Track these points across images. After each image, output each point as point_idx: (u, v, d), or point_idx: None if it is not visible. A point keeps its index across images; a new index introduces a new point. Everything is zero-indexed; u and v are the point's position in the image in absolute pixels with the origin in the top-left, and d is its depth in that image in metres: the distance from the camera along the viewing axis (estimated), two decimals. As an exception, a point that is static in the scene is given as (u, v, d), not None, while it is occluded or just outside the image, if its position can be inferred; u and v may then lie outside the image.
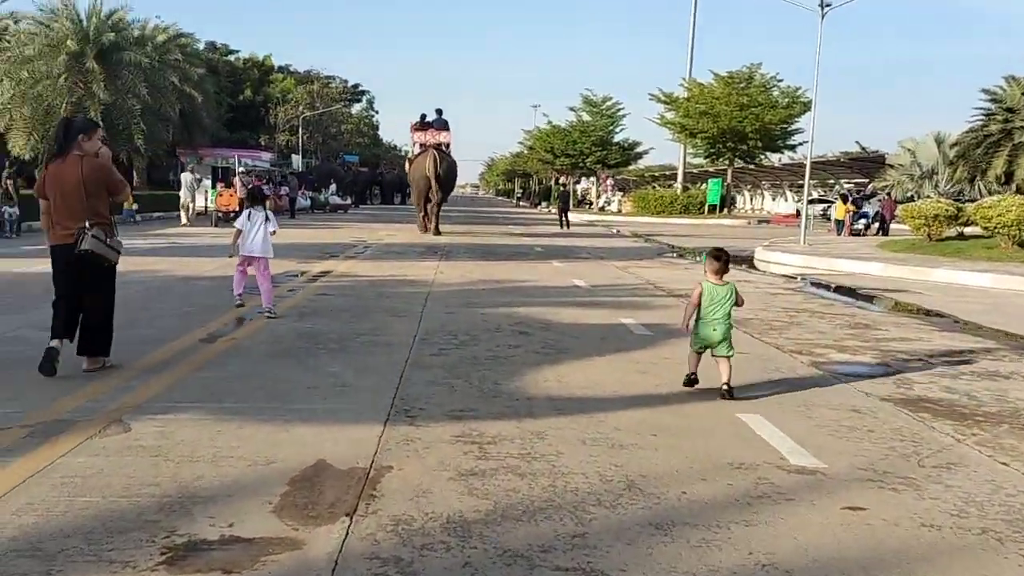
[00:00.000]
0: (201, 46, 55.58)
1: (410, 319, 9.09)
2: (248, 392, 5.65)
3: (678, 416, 5.50)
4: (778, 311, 10.93)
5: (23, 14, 31.19)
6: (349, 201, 46.14)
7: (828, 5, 24.49)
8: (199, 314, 9.09)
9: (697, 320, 6.04)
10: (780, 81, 45.32)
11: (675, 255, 21.73)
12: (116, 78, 29.73)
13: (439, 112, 27.05)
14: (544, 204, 69.35)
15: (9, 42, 29.27)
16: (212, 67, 46.81)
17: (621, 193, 58.54)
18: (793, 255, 19.93)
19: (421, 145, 26.51)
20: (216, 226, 25.92)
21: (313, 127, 63.32)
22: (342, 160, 61.41)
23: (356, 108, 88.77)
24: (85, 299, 5.96)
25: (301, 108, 60.59)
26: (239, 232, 9.24)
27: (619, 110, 54.30)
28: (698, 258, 21.05)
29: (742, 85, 44.87)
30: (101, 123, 24.87)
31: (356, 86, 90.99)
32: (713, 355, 6.01)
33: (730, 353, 5.97)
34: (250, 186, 11.31)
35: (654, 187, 63.86)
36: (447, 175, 25.68)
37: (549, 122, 57.06)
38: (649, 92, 45.75)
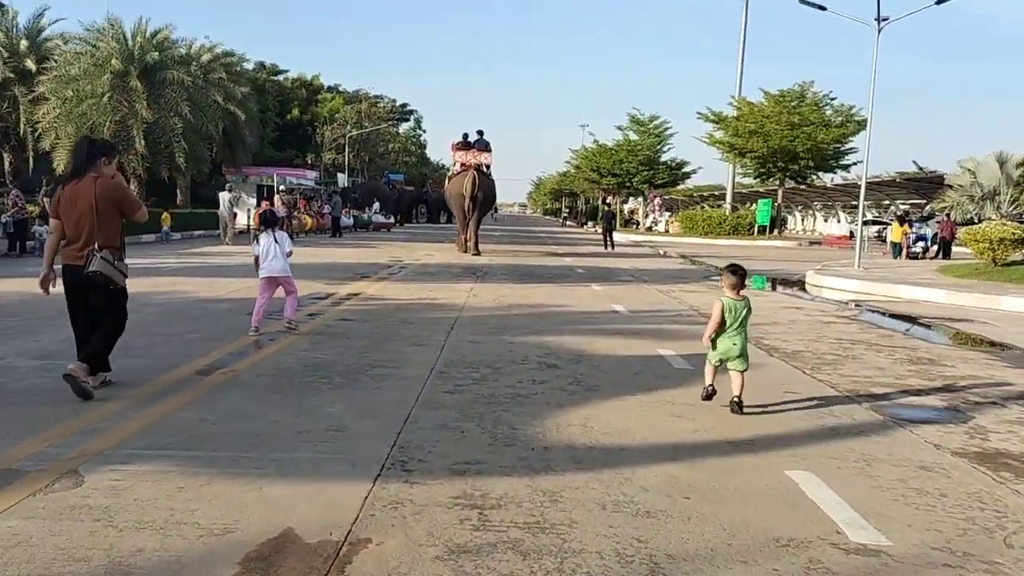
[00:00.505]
0: (250, 65, 56.35)
1: (431, 349, 8.47)
2: (228, 438, 5.04)
3: (717, 473, 4.76)
4: (831, 342, 10.09)
5: (72, 34, 31.70)
6: (392, 220, 45.96)
7: (885, 19, 23.47)
8: (205, 341, 8.57)
9: (717, 335, 6.15)
10: (833, 99, 44.16)
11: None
12: (159, 97, 29.85)
13: (480, 133, 27.22)
14: (591, 223, 68.74)
15: (56, 62, 29.59)
16: (259, 86, 47.18)
17: (669, 213, 57.50)
18: (847, 279, 18.90)
19: (462, 165, 26.52)
20: (254, 245, 25.68)
21: (360, 146, 63.59)
22: (387, 179, 61.48)
23: (404, 127, 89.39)
24: (95, 317, 5.98)
25: (348, 127, 60.88)
26: (256, 258, 9.39)
27: (666, 129, 53.46)
28: (748, 281, 20.16)
29: (793, 103, 43.75)
30: (144, 141, 24.99)
31: (404, 105, 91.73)
32: (728, 368, 6.14)
33: (745, 367, 6.11)
34: (262, 210, 10.78)
35: (702, 207, 62.72)
36: (486, 195, 25.81)
37: (595, 141, 56.43)
38: (697, 111, 44.88)
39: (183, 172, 31.28)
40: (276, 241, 9.25)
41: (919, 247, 29.22)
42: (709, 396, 6.23)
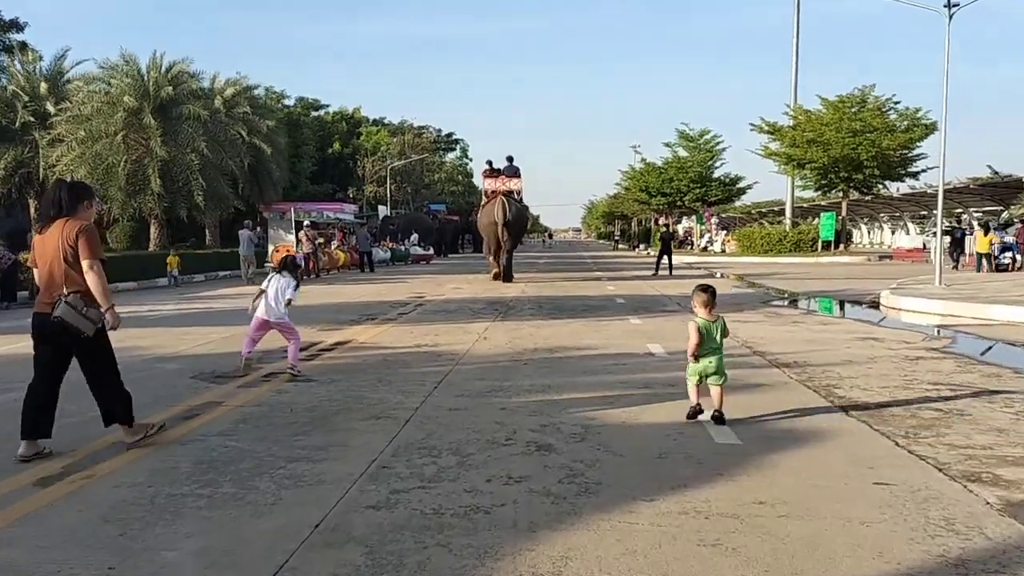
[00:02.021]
0: (290, 102, 55.75)
1: (390, 424, 6.42)
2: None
3: None
4: (925, 389, 7.79)
5: (92, 75, 30.84)
6: (431, 251, 44.29)
7: (956, 5, 20.90)
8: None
9: (699, 353, 6.27)
10: (897, 103, 41.19)
11: (782, 302, 18.43)
12: (176, 133, 28.67)
13: (510, 159, 26.75)
14: (643, 246, 66.23)
15: (71, 102, 28.72)
16: (294, 120, 46.30)
17: (725, 232, 54.74)
18: (929, 299, 16.29)
19: (491, 192, 26.16)
20: (274, 284, 24.08)
21: (402, 177, 62.45)
22: (428, 209, 60.05)
23: (450, 156, 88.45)
24: (86, 376, 5.63)
25: (389, 159, 59.81)
26: (261, 292, 8.99)
27: (718, 143, 50.88)
28: (812, 305, 17.69)
29: (854, 109, 40.93)
30: (160, 180, 23.62)
31: (450, 135, 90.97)
32: (708, 383, 6.30)
33: (722, 381, 6.32)
34: (287, 256, 9.33)
35: (760, 224, 59.83)
36: (516, 221, 25.04)
37: (643, 160, 54.09)
38: (750, 122, 42.28)
39: (203, 211, 29.95)
40: (281, 287, 8.91)
41: (1006, 258, 26.19)
42: (695, 415, 6.37)
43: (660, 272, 28.12)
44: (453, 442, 5.84)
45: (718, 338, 6.29)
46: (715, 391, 6.29)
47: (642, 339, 11.65)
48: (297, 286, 9.16)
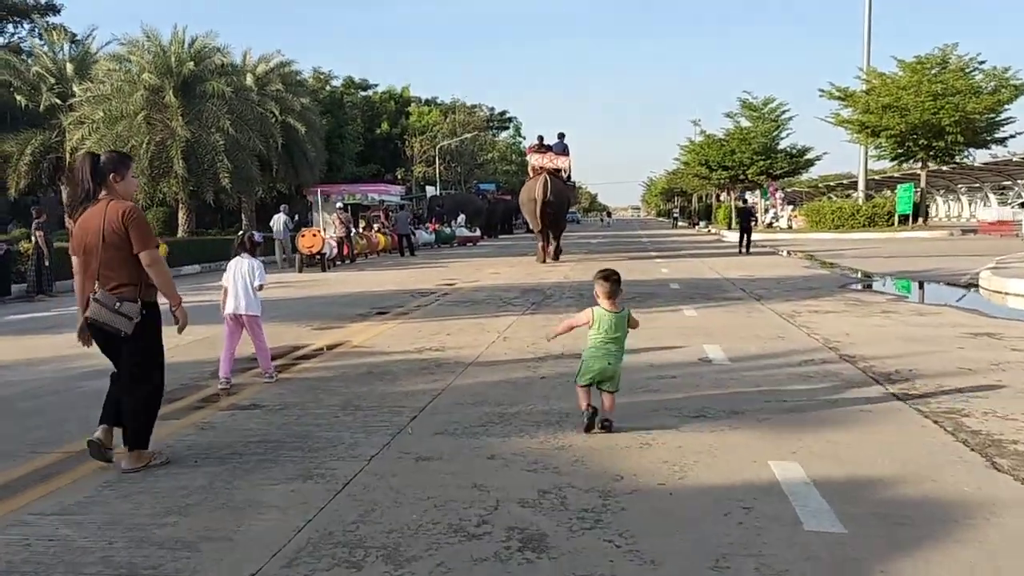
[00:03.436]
0: (338, 82, 54.22)
1: (318, 492, 4.42)
2: None
3: None
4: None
5: (116, 53, 29.40)
6: (478, 233, 42.28)
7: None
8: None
9: (587, 352, 5.46)
10: (982, 62, 37.54)
11: (864, 286, 15.94)
12: (200, 112, 27.05)
13: (561, 136, 25.43)
14: (704, 223, 63.21)
15: (92, 82, 27.39)
16: (336, 100, 44.67)
17: (791, 207, 51.51)
18: (1046, 282, 13.66)
19: (535, 168, 24.67)
20: (300, 271, 22.41)
21: (452, 157, 60.55)
22: (477, 189, 57.98)
23: (503, 135, 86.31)
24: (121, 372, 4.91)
25: (439, 138, 57.94)
26: (224, 291, 7.56)
27: (783, 112, 47.52)
28: (900, 289, 15.16)
29: (934, 71, 37.46)
30: (184, 162, 21.99)
31: (503, 113, 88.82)
32: (600, 388, 5.48)
33: (616, 388, 5.54)
34: (242, 232, 7.37)
35: (828, 198, 56.37)
36: (557, 200, 23.37)
37: (702, 132, 51.02)
38: (819, 88, 39.14)
39: (229, 193, 28.36)
40: (244, 272, 7.47)
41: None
42: (591, 421, 5.43)
43: (743, 252, 26.46)
44: (394, 530, 3.82)
45: (619, 334, 5.47)
46: (607, 399, 5.49)
47: (697, 337, 9.46)
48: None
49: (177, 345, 9.36)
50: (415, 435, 5.53)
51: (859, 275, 17.93)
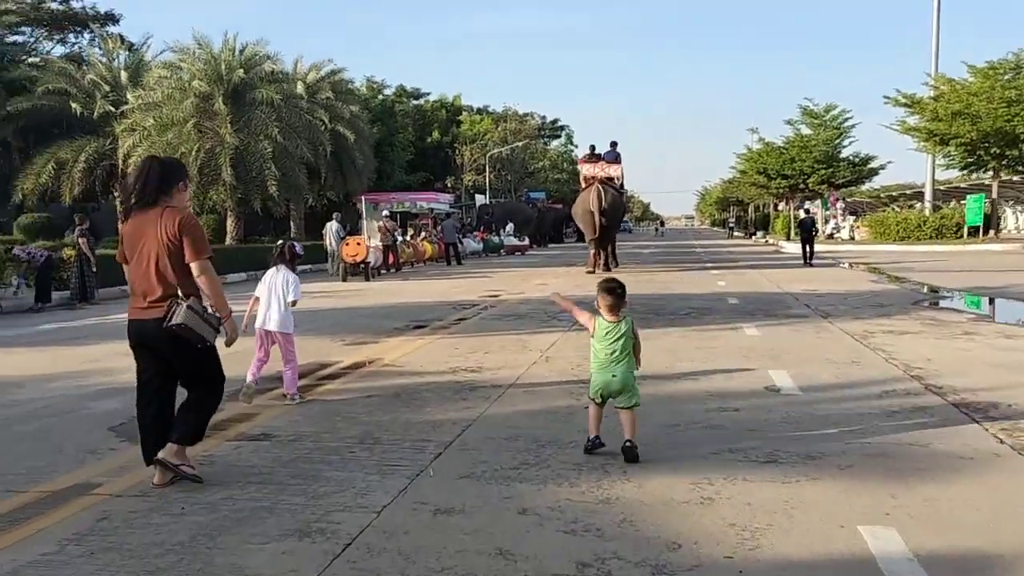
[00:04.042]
0: (390, 91, 54.14)
1: (305, 562, 3.71)
2: None
3: None
4: None
5: (168, 61, 29.49)
6: (527, 242, 41.54)
7: None
8: None
9: (593, 365, 5.26)
10: (1061, 68, 35.56)
11: (938, 303, 14.79)
12: (250, 119, 26.83)
13: (613, 145, 25.32)
14: (761, 234, 61.55)
15: (143, 89, 27.42)
16: (387, 108, 44.43)
17: (853, 217, 49.70)
18: None
19: (588, 178, 24.50)
20: (344, 280, 21.94)
21: (502, 165, 60.00)
22: (526, 197, 57.28)
23: (554, 144, 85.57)
24: (180, 380, 4.77)
25: (488, 146, 57.44)
26: (255, 300, 7.11)
27: (846, 120, 45.86)
28: (980, 309, 13.99)
29: (1007, 76, 35.63)
30: (232, 169, 21.81)
31: (555, 121, 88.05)
32: (615, 406, 5.21)
33: (634, 403, 5.20)
34: (281, 242, 6.74)
35: (890, 208, 54.33)
36: (612, 209, 23.14)
37: (761, 139, 49.55)
38: (884, 95, 37.55)
39: (276, 201, 28.13)
40: (279, 285, 6.99)
41: None
42: (593, 447, 5.22)
43: (807, 263, 25.47)
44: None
45: (625, 348, 5.22)
46: (624, 416, 5.19)
47: (761, 360, 8.58)
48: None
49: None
50: (437, 477, 4.80)
51: (932, 291, 16.72)
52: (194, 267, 4.58)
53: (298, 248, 7.73)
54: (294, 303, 7.03)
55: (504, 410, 6.51)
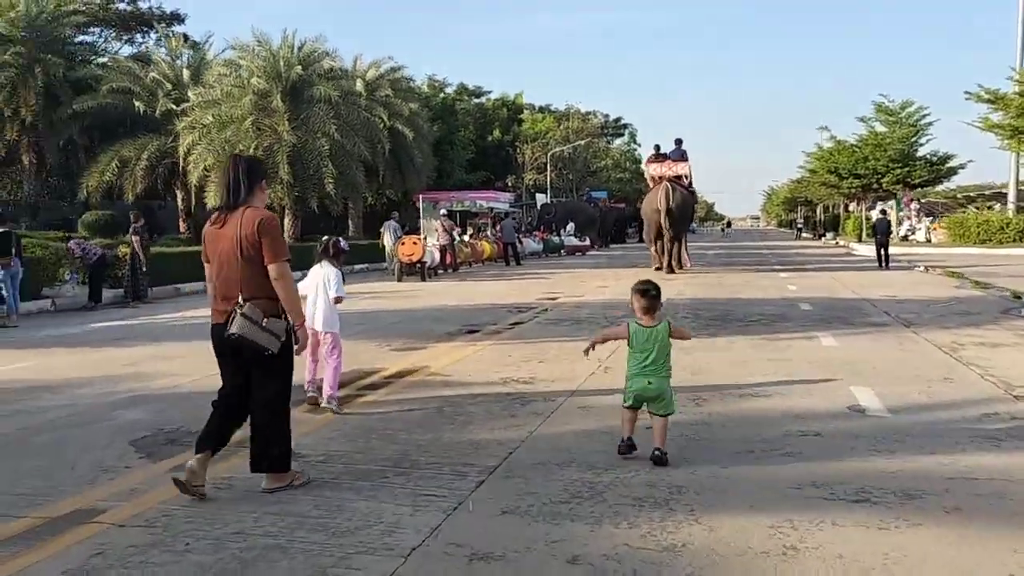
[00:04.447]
0: (451, 89, 53.93)
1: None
2: None
3: None
4: None
5: (229, 59, 29.58)
6: (587, 242, 40.75)
7: None
8: None
9: (629, 370, 5.07)
10: None
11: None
12: (308, 117, 26.67)
13: (678, 142, 24.89)
14: (831, 235, 59.60)
15: (203, 87, 27.54)
16: (447, 106, 44.10)
17: (930, 219, 47.60)
18: None
19: (656, 178, 24.18)
20: (400, 280, 21.57)
21: (563, 164, 59.24)
22: (588, 196, 56.39)
23: (617, 142, 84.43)
24: (252, 398, 4.56)
25: (550, 144, 56.75)
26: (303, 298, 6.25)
27: (924, 116, 43.85)
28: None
29: (1101, 69, 33.61)
30: (289, 167, 21.68)
31: (617, 120, 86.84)
32: (649, 411, 5.06)
33: (669, 411, 5.05)
34: (327, 238, 6.30)
35: (966, 210, 51.98)
36: (680, 209, 22.79)
37: (832, 137, 47.76)
38: (966, 91, 35.67)
39: (334, 199, 27.94)
40: (321, 281, 6.69)
41: None
42: (627, 450, 5.07)
43: (883, 267, 24.42)
44: None
45: (662, 352, 5.03)
46: (657, 424, 5.05)
47: (841, 375, 7.81)
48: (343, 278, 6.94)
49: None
50: (477, 511, 4.22)
51: (1020, 298, 15.53)
52: (272, 270, 4.42)
53: (343, 244, 7.36)
54: (338, 300, 6.70)
55: (557, 429, 5.91)
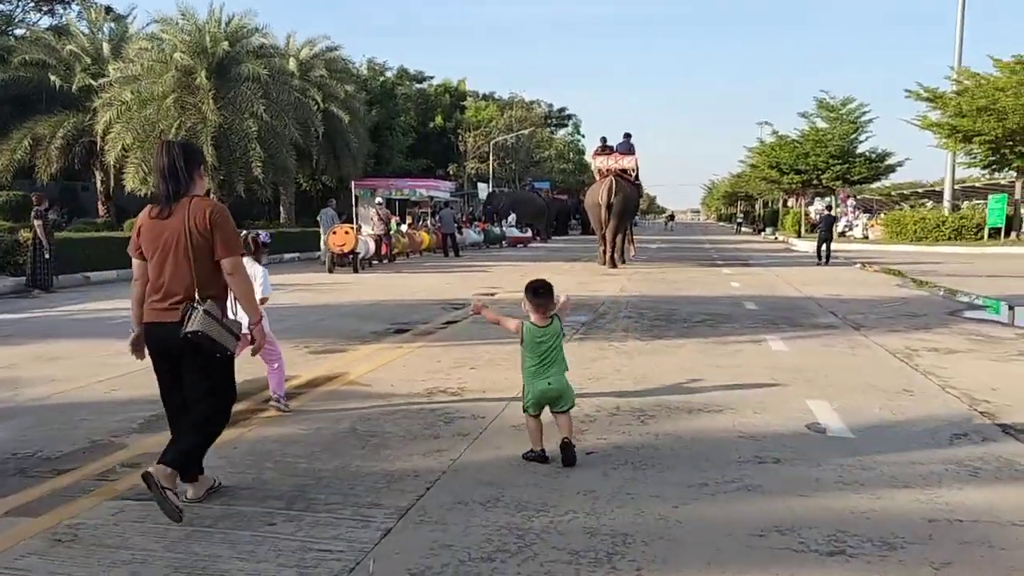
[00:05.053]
0: (391, 73, 52.61)
1: None
2: None
3: None
4: None
5: (151, 33, 27.99)
6: (529, 233, 40.07)
7: None
8: None
9: (525, 373, 4.92)
10: (1092, 63, 33.95)
11: (978, 312, 13.37)
12: (235, 96, 25.32)
13: (627, 136, 24.56)
14: (769, 230, 60.05)
15: (123, 62, 25.92)
16: (387, 91, 42.90)
17: (867, 215, 48.13)
18: None
19: (602, 171, 23.87)
20: (331, 272, 20.54)
21: (506, 154, 58.47)
22: (531, 187, 55.76)
23: (561, 133, 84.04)
24: (186, 395, 4.20)
25: (495, 133, 55.90)
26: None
27: (863, 114, 44.21)
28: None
29: (1037, 72, 34.04)
30: (214, 149, 20.42)
31: (562, 110, 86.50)
32: (552, 412, 4.92)
33: (571, 405, 4.97)
34: (246, 232, 5.31)
35: (900, 207, 52.82)
36: (623, 204, 22.48)
37: (774, 132, 47.95)
38: (905, 88, 35.94)
39: (261, 184, 26.59)
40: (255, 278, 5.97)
41: None
42: (539, 459, 4.88)
43: (822, 262, 24.29)
44: None
45: (552, 349, 4.86)
46: (562, 420, 4.88)
47: (795, 385, 7.22)
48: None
49: (126, 374, 7.49)
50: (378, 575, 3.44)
51: (966, 299, 15.30)
52: (225, 264, 4.14)
53: (264, 237, 6.51)
54: (263, 300, 5.90)
55: (484, 455, 5.14)
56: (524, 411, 4.97)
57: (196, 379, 4.16)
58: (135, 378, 7.37)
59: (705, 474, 4.79)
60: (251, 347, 4.42)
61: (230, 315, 4.27)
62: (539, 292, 4.93)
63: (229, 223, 4.19)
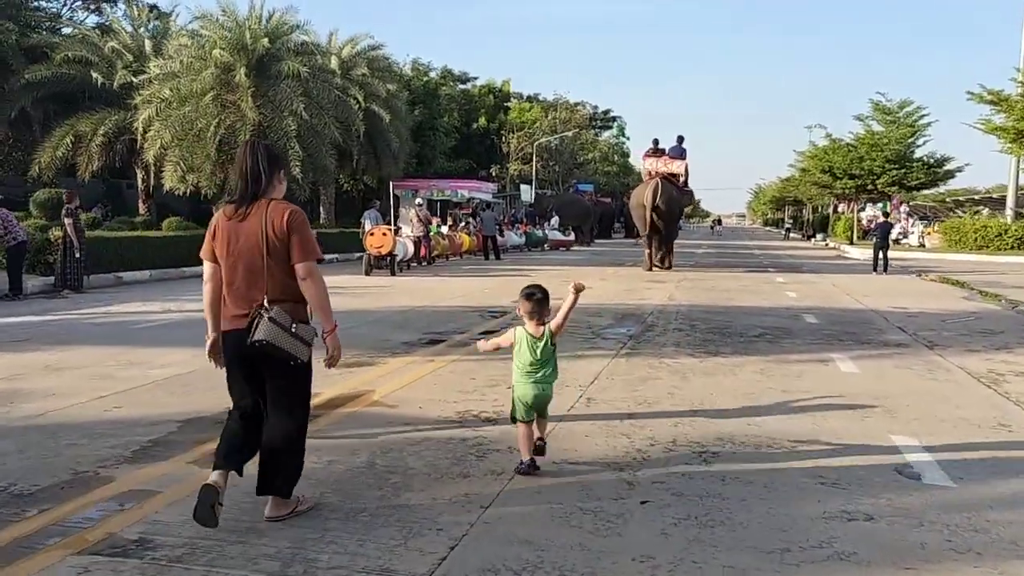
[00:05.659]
0: (436, 74, 52.16)
1: None
2: None
3: None
4: None
5: (192, 29, 27.76)
6: (572, 236, 39.22)
7: None
8: None
9: (517, 382, 4.81)
10: None
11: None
12: (275, 94, 24.87)
13: (680, 139, 24.42)
14: (820, 236, 58.43)
15: (163, 59, 25.65)
16: (430, 91, 42.35)
17: (924, 223, 46.39)
18: None
19: (650, 173, 23.64)
20: (367, 274, 19.95)
21: (549, 155, 57.62)
22: (575, 189, 54.86)
23: (606, 135, 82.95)
24: (267, 411, 4.06)
25: (536, 134, 55.12)
26: None
27: (922, 117, 42.51)
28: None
29: (1108, 71, 32.37)
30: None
31: (607, 112, 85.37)
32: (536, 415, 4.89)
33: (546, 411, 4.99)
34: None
35: (957, 214, 50.89)
36: (668, 207, 22.28)
37: (827, 135, 46.37)
38: (968, 91, 34.26)
39: (300, 183, 26.10)
40: None
41: None
42: (531, 469, 4.78)
43: (878, 272, 22.97)
44: None
45: (547, 355, 4.78)
46: (541, 422, 4.92)
47: (873, 415, 6.40)
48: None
49: (131, 389, 6.87)
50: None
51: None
52: (300, 269, 3.96)
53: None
54: None
55: (520, 503, 4.39)
56: (514, 421, 4.86)
57: (279, 385, 4.02)
58: (139, 395, 6.77)
59: (786, 535, 3.99)
60: (327, 357, 4.11)
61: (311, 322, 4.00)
62: (532, 297, 4.81)
63: (307, 227, 4.04)
